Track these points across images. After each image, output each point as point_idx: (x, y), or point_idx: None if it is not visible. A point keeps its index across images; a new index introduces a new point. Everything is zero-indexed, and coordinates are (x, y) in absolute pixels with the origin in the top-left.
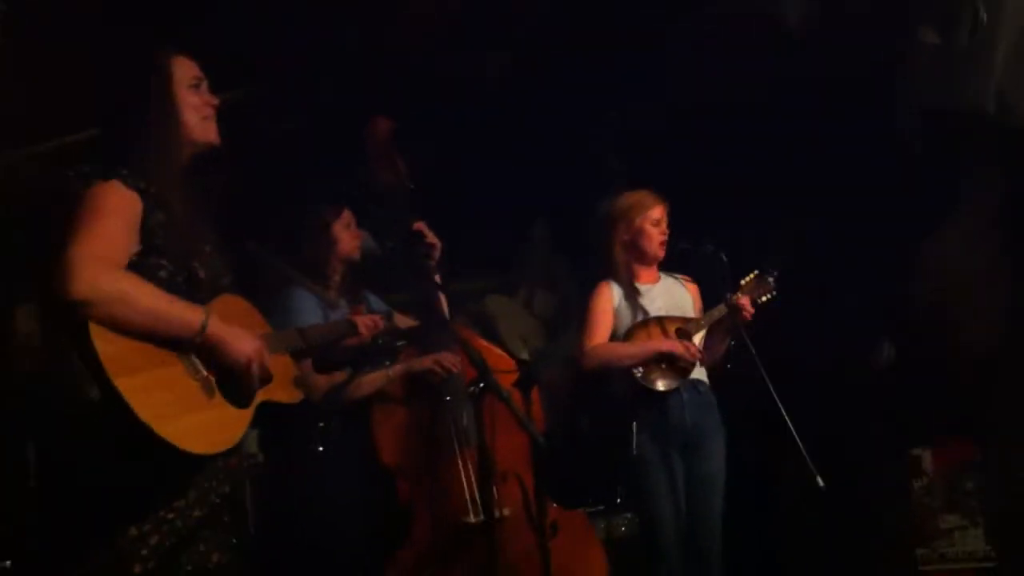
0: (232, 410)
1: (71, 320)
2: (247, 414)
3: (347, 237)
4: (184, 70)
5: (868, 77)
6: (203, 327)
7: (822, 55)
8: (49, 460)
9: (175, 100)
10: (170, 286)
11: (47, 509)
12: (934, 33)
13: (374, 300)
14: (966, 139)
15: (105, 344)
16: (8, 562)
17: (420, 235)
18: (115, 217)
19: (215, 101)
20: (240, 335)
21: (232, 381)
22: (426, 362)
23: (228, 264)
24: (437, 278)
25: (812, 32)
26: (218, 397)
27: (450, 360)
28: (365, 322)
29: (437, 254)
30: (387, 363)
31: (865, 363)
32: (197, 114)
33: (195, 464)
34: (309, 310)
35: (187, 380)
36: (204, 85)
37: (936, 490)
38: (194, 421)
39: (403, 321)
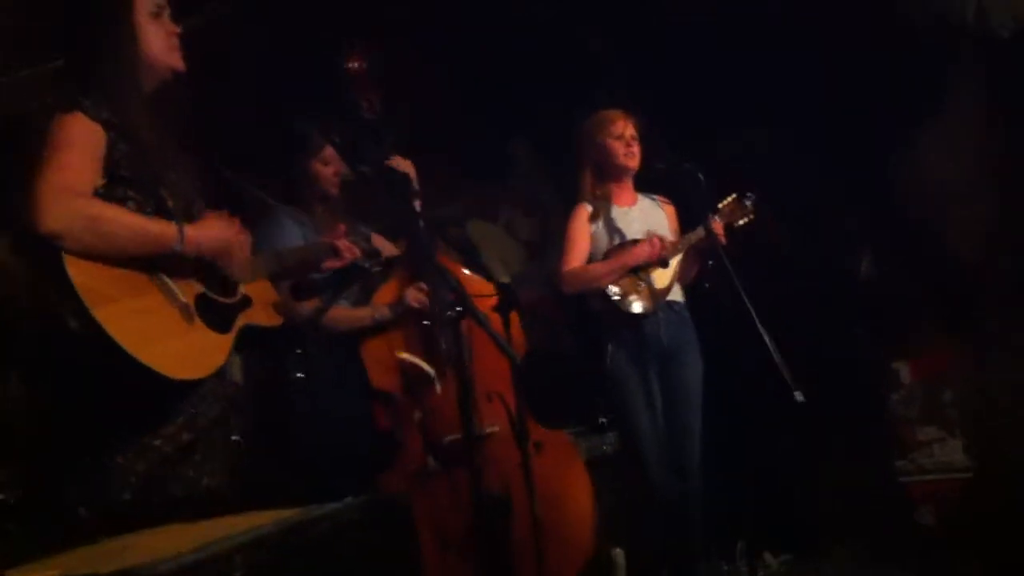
0: (213, 335)
1: (44, 253)
2: (228, 338)
3: (328, 172)
4: None
5: None
6: (179, 238)
7: None
8: (32, 391)
9: (135, 28)
10: (139, 215)
11: (34, 441)
12: None
13: (360, 227)
14: (947, 49)
15: (81, 275)
16: None
17: (392, 167)
18: (78, 148)
19: (177, 30)
20: (216, 225)
21: (212, 300)
22: (410, 299)
23: (200, 191)
24: (416, 205)
25: None
26: (198, 323)
27: (422, 296)
28: (346, 244)
29: (413, 183)
30: (370, 290)
31: (843, 275)
32: (159, 42)
33: (179, 390)
34: (291, 237)
35: (166, 307)
36: (166, 13)
37: (914, 402)
38: (175, 346)
39: (382, 244)
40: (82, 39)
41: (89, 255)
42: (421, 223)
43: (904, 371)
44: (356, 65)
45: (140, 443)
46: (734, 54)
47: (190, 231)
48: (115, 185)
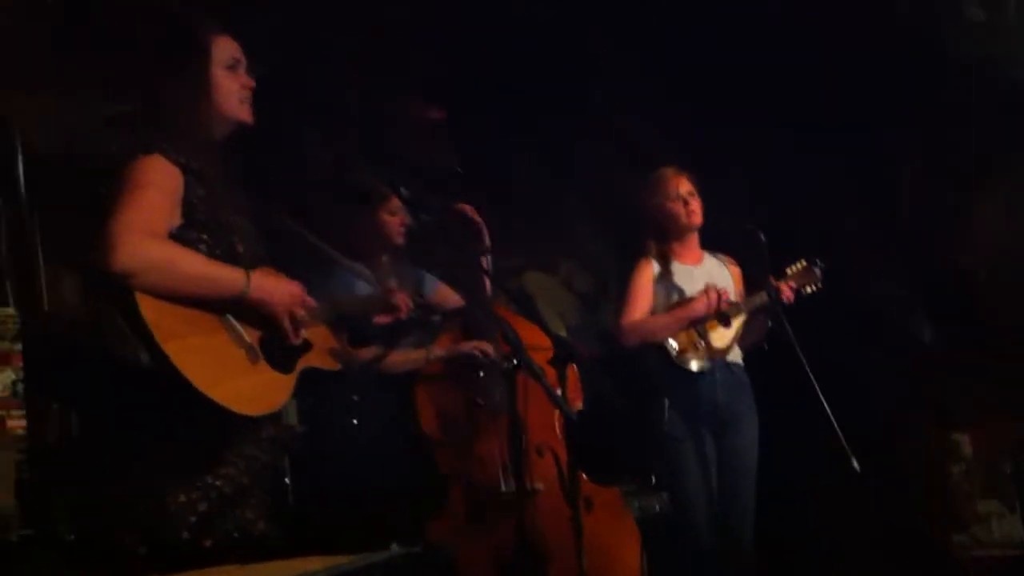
0: (275, 375)
1: (116, 289)
2: (290, 379)
3: (394, 222)
4: (222, 50)
5: (911, 51)
6: (247, 284)
7: (867, 30)
8: (97, 426)
9: (210, 80)
10: (209, 258)
11: (97, 476)
12: (980, 10)
13: (428, 278)
14: (1009, 113)
15: (152, 312)
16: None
17: (465, 215)
18: (156, 190)
19: (251, 83)
20: (280, 283)
21: (276, 341)
22: (467, 347)
23: (264, 239)
24: (485, 261)
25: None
26: (262, 363)
27: (489, 348)
28: (401, 299)
29: (484, 235)
30: (427, 340)
31: (904, 345)
32: (231, 95)
33: (242, 432)
34: (351, 289)
35: (232, 347)
36: (241, 66)
37: (974, 475)
38: (240, 385)
39: (445, 295)
40: (159, 87)
41: (158, 294)
42: (484, 273)
43: (964, 443)
44: (429, 115)
45: (203, 482)
46: (797, 121)
47: (256, 280)
48: (190, 227)
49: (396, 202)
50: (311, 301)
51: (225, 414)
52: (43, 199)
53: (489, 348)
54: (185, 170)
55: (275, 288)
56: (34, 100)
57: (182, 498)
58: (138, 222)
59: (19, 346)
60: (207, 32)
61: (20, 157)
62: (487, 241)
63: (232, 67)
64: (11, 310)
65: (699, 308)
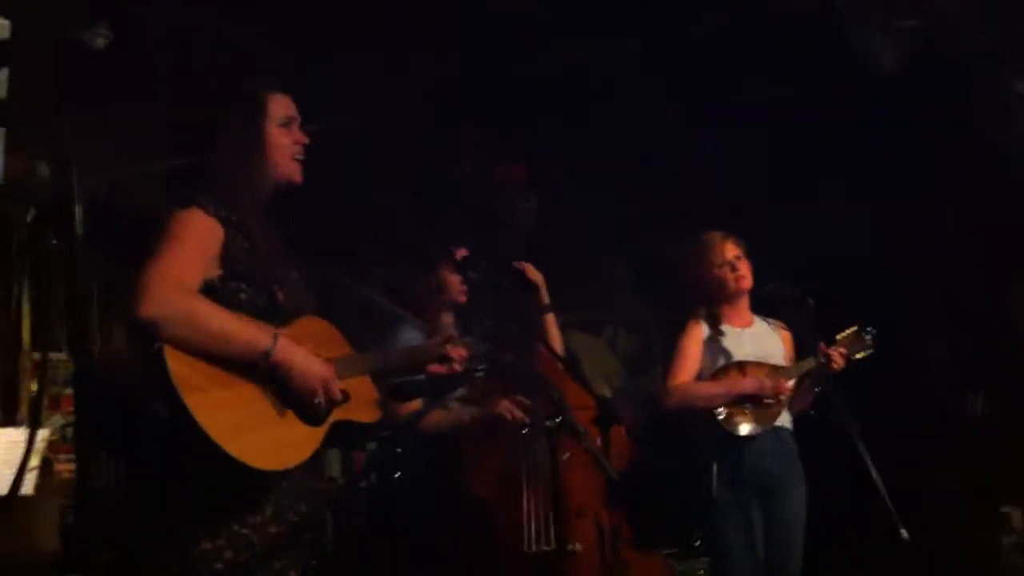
0: (304, 428)
1: (147, 339)
2: (319, 432)
3: (456, 281)
4: (278, 108)
5: (961, 129)
6: (268, 351)
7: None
8: (132, 473)
9: (265, 137)
10: (250, 308)
11: (123, 522)
12: None
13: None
14: None
15: (178, 364)
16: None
17: (523, 273)
18: (190, 242)
19: (304, 140)
20: (308, 361)
21: (301, 399)
22: (499, 408)
23: (314, 291)
24: (547, 319)
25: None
26: (290, 415)
27: (523, 407)
28: (457, 351)
29: (543, 293)
30: (462, 396)
31: (955, 415)
32: (284, 153)
33: (269, 481)
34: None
35: (259, 398)
36: (296, 124)
37: None
38: (263, 438)
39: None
40: (211, 139)
41: (183, 347)
42: (542, 331)
43: (1016, 516)
44: (514, 175)
45: (230, 531)
46: (848, 187)
47: (280, 350)
48: (230, 278)
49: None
50: (336, 388)
51: (242, 467)
52: (98, 247)
53: (525, 406)
54: (225, 223)
55: (302, 363)
56: (93, 149)
57: (207, 545)
58: (169, 274)
59: (69, 391)
60: (264, 89)
61: (78, 202)
62: (546, 299)
63: (286, 124)
64: (63, 355)
65: (749, 387)
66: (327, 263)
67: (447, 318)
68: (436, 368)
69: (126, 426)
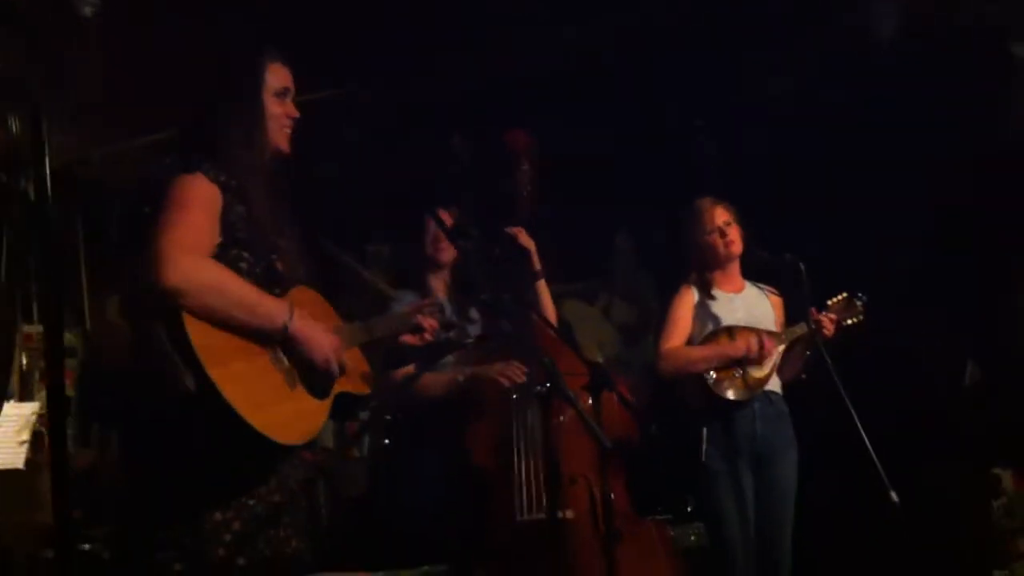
0: (312, 401)
1: (163, 309)
2: (326, 405)
3: (445, 244)
4: (275, 78)
5: (960, 99)
6: (286, 324)
7: (917, 74)
8: (138, 446)
9: (262, 105)
10: (250, 277)
11: (134, 495)
12: None
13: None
14: None
15: (198, 334)
16: (87, 545)
17: (515, 239)
18: (199, 209)
19: (295, 114)
20: (320, 333)
21: (312, 373)
22: (493, 371)
23: (305, 260)
24: (540, 286)
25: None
26: (299, 388)
27: (517, 372)
28: (429, 320)
29: (534, 259)
30: (453, 362)
31: (946, 380)
32: (276, 123)
33: (280, 453)
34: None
35: (272, 371)
36: (290, 96)
37: (1016, 511)
38: (281, 411)
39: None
40: (210, 107)
41: (205, 316)
42: (534, 298)
43: (1007, 478)
44: (520, 141)
45: (238, 502)
46: (848, 155)
47: (295, 323)
48: (230, 246)
49: (428, 227)
50: (344, 358)
51: (264, 440)
52: (87, 221)
53: (519, 369)
54: (224, 188)
55: (315, 335)
56: (86, 125)
57: (218, 516)
58: (187, 241)
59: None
60: (263, 58)
61: (47, 164)
62: (537, 264)
63: (281, 95)
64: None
65: (740, 349)
66: (321, 234)
67: (436, 283)
68: (408, 338)
69: (129, 400)
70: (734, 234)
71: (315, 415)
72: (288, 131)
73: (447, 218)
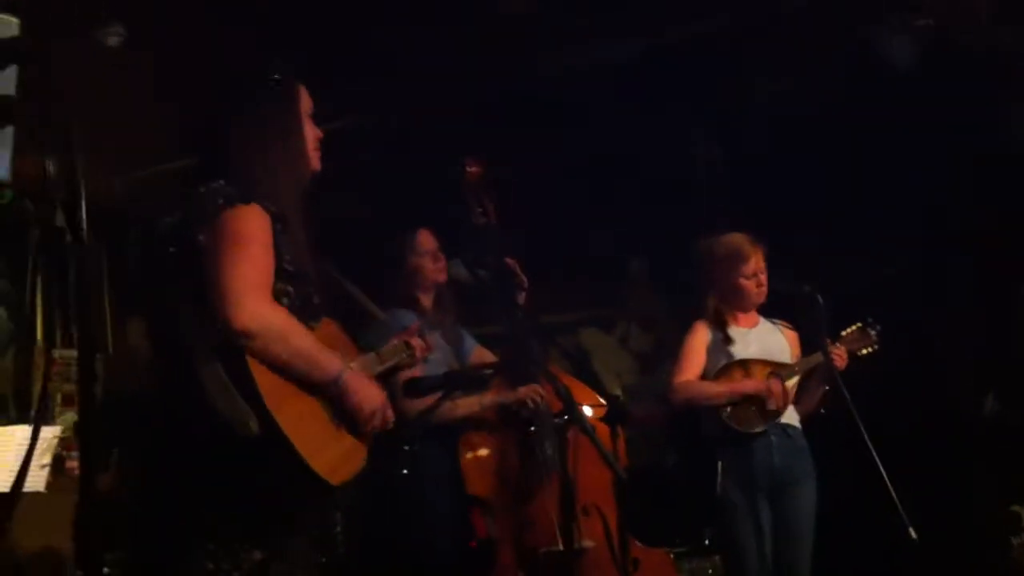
0: (353, 440)
1: (227, 348)
2: (365, 444)
3: (428, 263)
4: (306, 101)
5: (968, 124)
6: (340, 377)
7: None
8: (176, 479)
9: (302, 128)
10: (292, 311)
11: (167, 527)
12: None
13: (467, 337)
14: None
15: (261, 376)
16: (105, 569)
17: (511, 271)
18: (260, 243)
19: (320, 134)
20: (369, 388)
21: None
22: (521, 393)
23: (325, 289)
24: (520, 301)
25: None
26: (343, 427)
27: (539, 392)
28: (417, 343)
29: (523, 292)
30: (477, 392)
31: (967, 415)
32: (312, 145)
33: (325, 494)
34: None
35: (323, 413)
36: (312, 117)
37: None
38: (332, 453)
39: (483, 355)
40: (247, 133)
41: (264, 360)
42: (525, 326)
43: None
44: (474, 170)
45: (279, 541)
46: (865, 184)
47: (347, 377)
48: (277, 278)
49: (429, 242)
50: (391, 414)
51: (318, 482)
52: (111, 247)
53: (541, 393)
54: (275, 218)
55: (365, 391)
56: (108, 152)
57: (257, 556)
58: (255, 280)
59: None
60: (295, 81)
61: (84, 200)
62: (522, 300)
63: (310, 115)
64: (77, 353)
65: (750, 389)
66: (326, 260)
67: (427, 300)
68: (409, 373)
69: (160, 427)
70: (764, 280)
71: (357, 455)
72: (319, 152)
73: (431, 240)
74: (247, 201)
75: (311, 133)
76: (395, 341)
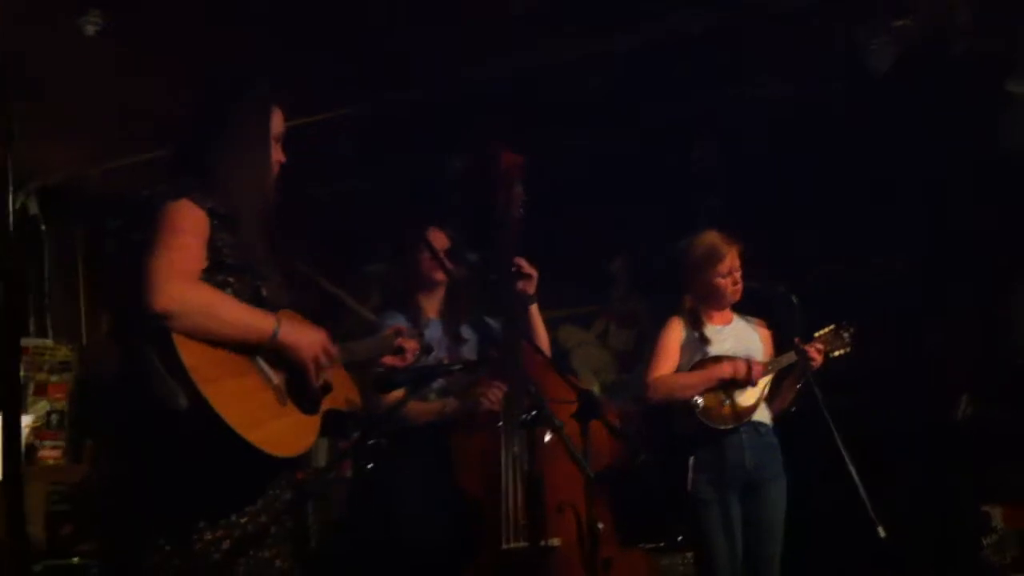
0: (303, 417)
1: (153, 331)
2: (316, 420)
3: (427, 260)
4: (277, 124)
5: (959, 126)
6: (276, 331)
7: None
8: (128, 462)
9: (269, 148)
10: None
11: (124, 511)
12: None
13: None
14: None
15: (189, 355)
16: (75, 559)
17: (519, 266)
18: (187, 233)
19: (283, 159)
20: (306, 332)
21: (301, 385)
22: (474, 395)
23: (291, 288)
24: (532, 309)
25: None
26: (290, 405)
27: (496, 392)
28: (410, 343)
29: (533, 285)
30: (442, 387)
31: (938, 413)
32: (275, 165)
33: (271, 470)
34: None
35: (263, 389)
36: (280, 142)
37: (1006, 547)
38: (274, 427)
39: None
40: (208, 137)
41: (194, 336)
42: (520, 326)
43: (997, 514)
44: (510, 159)
45: (228, 521)
46: (845, 183)
47: (285, 326)
48: (216, 271)
49: (434, 241)
50: (333, 349)
51: (259, 456)
52: (88, 240)
53: (499, 390)
54: (211, 214)
55: (302, 334)
56: (85, 142)
57: (208, 536)
58: (176, 265)
59: (55, 377)
60: (270, 103)
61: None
62: (533, 289)
63: (278, 140)
64: (50, 342)
65: (726, 371)
66: (305, 263)
67: (429, 303)
68: (390, 360)
69: (121, 417)
70: (739, 278)
71: (306, 429)
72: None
73: (442, 239)
74: (178, 197)
75: (275, 155)
76: (382, 336)
